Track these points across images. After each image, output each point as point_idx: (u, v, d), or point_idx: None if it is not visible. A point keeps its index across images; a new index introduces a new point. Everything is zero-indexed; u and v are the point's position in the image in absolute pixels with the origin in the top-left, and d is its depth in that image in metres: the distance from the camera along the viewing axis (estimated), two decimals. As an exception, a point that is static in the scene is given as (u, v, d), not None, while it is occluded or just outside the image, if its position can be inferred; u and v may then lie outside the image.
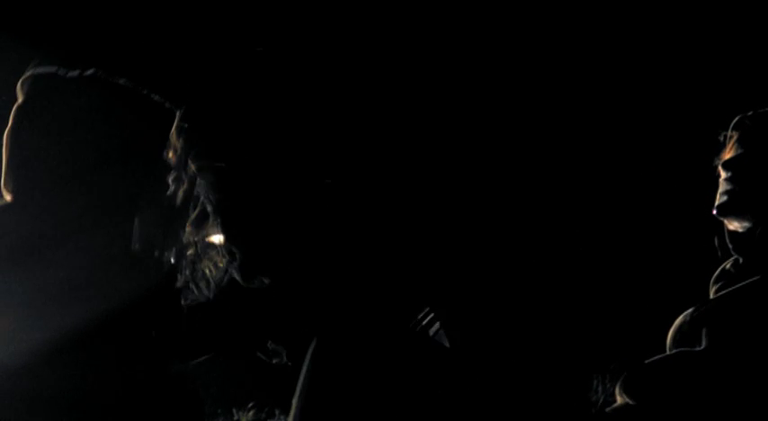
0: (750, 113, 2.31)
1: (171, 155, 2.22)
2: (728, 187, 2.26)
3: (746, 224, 2.25)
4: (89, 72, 2.19)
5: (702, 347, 2.10)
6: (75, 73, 2.18)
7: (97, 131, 2.13)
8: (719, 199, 2.28)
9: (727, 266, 2.29)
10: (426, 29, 4.06)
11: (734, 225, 2.27)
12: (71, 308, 2.04)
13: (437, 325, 2.39)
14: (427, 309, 2.41)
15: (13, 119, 2.15)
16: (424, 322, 2.41)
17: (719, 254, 2.30)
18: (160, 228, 2.21)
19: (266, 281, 2.39)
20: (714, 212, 2.28)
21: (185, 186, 2.25)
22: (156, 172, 2.19)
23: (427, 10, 4.00)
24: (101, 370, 2.05)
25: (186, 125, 2.24)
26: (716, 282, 2.28)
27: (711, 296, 2.26)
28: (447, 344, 2.36)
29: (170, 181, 2.22)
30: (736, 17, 3.77)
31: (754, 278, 2.17)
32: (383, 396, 2.09)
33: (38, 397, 2.01)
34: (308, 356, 2.17)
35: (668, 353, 2.18)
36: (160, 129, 2.21)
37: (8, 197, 2.13)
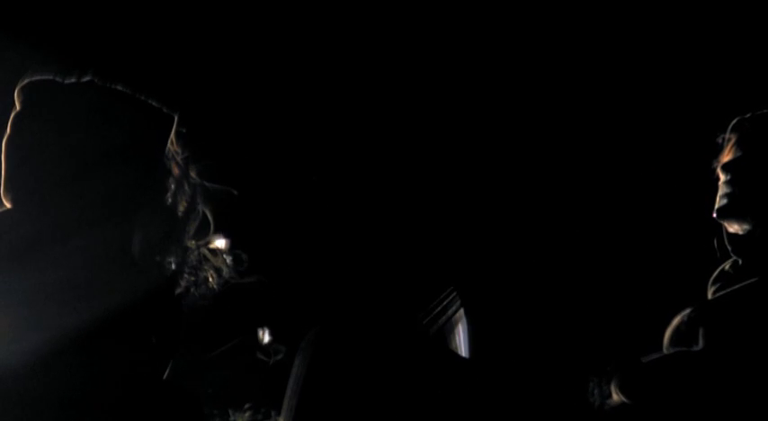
0: (748, 116, 2.32)
1: (169, 157, 2.23)
2: (728, 190, 2.26)
3: (746, 226, 2.25)
4: (86, 78, 2.20)
5: (700, 347, 2.11)
6: (72, 79, 2.19)
7: (94, 135, 2.14)
8: (719, 202, 2.28)
9: (726, 268, 2.30)
10: (416, 28, 4.07)
11: (734, 227, 2.28)
12: (70, 308, 2.04)
13: (447, 315, 2.40)
14: (441, 299, 2.41)
15: (11, 126, 2.16)
16: (435, 312, 2.41)
17: (718, 255, 2.31)
18: (160, 230, 2.21)
19: (264, 278, 2.39)
20: (714, 215, 2.29)
21: (186, 189, 2.26)
22: (154, 175, 2.20)
23: (419, 10, 4.01)
24: (99, 370, 2.05)
25: (184, 130, 2.25)
26: (714, 283, 2.29)
27: (710, 297, 2.28)
28: (454, 337, 2.37)
29: (169, 184, 2.23)
30: (734, 18, 3.77)
31: (752, 280, 2.19)
32: (376, 396, 2.10)
33: (36, 397, 2.01)
34: (299, 356, 2.18)
35: (666, 352, 2.19)
36: (158, 133, 2.22)
37: (8, 204, 2.14)
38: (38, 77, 2.18)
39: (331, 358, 2.17)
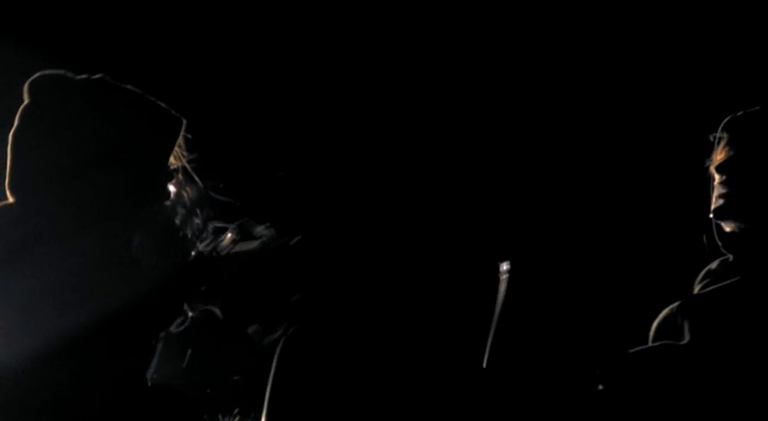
0: (740, 114, 2.32)
1: (174, 162, 2.24)
2: (724, 190, 2.26)
3: (743, 225, 2.25)
4: (96, 76, 2.21)
5: (685, 341, 2.12)
6: (82, 76, 2.20)
7: (100, 133, 2.15)
8: (716, 202, 2.28)
9: (714, 266, 2.31)
10: (400, 28, 4.10)
11: (731, 226, 2.27)
12: (69, 309, 2.04)
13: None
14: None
15: (19, 118, 2.17)
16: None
17: (707, 249, 2.31)
18: (163, 233, 2.22)
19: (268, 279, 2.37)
20: (711, 215, 2.28)
21: (197, 210, 2.27)
22: (158, 176, 2.21)
23: (408, 10, 4.04)
24: (96, 372, 2.05)
25: (191, 136, 2.26)
26: (702, 279, 2.30)
27: (696, 292, 2.28)
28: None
29: (172, 187, 2.24)
30: (725, 17, 3.79)
31: (737, 277, 2.19)
32: (346, 397, 2.10)
33: (34, 398, 2.02)
34: (276, 356, 2.17)
35: (651, 344, 2.19)
36: (165, 136, 2.23)
37: (11, 198, 2.14)
38: (49, 73, 2.19)
39: (301, 359, 2.18)
